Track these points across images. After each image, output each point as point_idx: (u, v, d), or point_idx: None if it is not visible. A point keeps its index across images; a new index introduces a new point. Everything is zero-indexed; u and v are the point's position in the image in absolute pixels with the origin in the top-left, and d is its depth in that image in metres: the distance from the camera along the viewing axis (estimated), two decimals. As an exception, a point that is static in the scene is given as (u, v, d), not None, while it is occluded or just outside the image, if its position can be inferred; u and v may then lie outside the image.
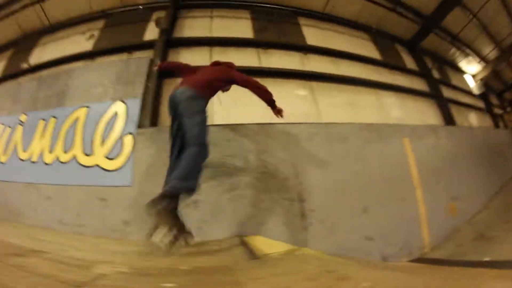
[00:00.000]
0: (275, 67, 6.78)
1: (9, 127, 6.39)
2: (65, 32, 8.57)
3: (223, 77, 3.35)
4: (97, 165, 4.94)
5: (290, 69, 6.93)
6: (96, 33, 7.85)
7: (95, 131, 5.17)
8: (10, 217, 5.38)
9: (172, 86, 5.60)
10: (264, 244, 3.20)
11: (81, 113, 5.49)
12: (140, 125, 4.89)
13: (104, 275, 1.92)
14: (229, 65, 3.69)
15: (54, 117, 5.74)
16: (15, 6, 8.68)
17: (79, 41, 7.80)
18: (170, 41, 6.44)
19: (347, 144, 5.09)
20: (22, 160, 5.82)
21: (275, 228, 4.04)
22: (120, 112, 5.15)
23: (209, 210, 4.14)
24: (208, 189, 4.16)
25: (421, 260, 4.53)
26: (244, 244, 3.31)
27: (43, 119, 5.88)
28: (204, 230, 4.04)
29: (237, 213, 4.13)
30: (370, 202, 4.71)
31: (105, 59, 6.78)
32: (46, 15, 8.86)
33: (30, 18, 8.95)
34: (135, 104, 5.08)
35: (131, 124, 4.94)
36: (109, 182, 4.74)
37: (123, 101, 5.22)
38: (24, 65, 8.27)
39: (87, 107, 5.49)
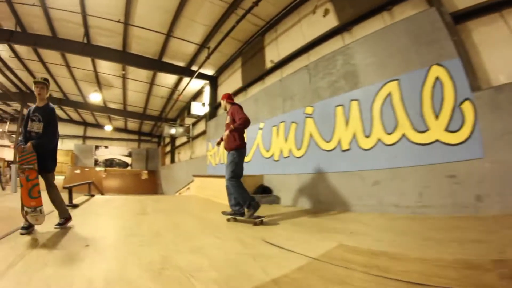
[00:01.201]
0: None
1: (294, 122, 6.68)
2: (288, 22, 8.70)
3: None
4: (438, 140, 4.32)
5: None
6: (329, 6, 7.45)
7: (421, 103, 4.54)
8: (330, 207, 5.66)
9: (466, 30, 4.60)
10: None
11: (392, 87, 4.98)
12: (474, 88, 4.09)
13: None
14: None
15: (355, 99, 5.48)
16: (226, 27, 9.43)
17: (316, 21, 7.59)
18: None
19: None
20: (326, 150, 5.90)
21: None
22: (443, 77, 4.33)
23: None
24: None
25: None
26: None
27: (340, 105, 5.73)
28: None
29: None
30: None
31: (364, 27, 6.19)
32: (259, 18, 9.15)
33: (245, 27, 9.59)
34: (456, 65, 4.23)
35: (463, 88, 4.14)
36: (457, 157, 4.09)
37: (439, 64, 4.42)
38: (269, 64, 8.81)
39: (396, 80, 4.94)
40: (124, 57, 12.33)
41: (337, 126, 5.80)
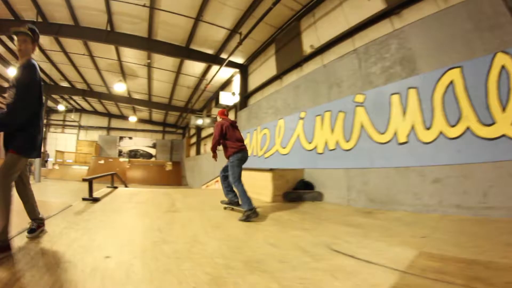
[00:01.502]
0: None
1: (342, 112, 6.40)
2: (328, 6, 8.30)
3: None
4: (505, 135, 3.95)
5: None
6: (374, -12, 7.02)
7: (487, 93, 4.17)
8: (383, 206, 5.43)
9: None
10: None
11: (454, 75, 4.59)
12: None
13: None
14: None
15: (413, 87, 5.10)
16: (259, 11, 9.07)
17: (360, 4, 7.14)
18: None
19: None
20: (380, 143, 5.62)
21: None
22: (508, 66, 3.95)
23: None
24: None
25: None
26: None
27: (396, 93, 5.37)
28: None
29: None
30: None
31: (415, 10, 5.78)
32: (295, 1, 8.81)
33: (280, 12, 9.30)
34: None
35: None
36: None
37: (505, 52, 3.99)
38: (308, 50, 8.50)
39: (459, 67, 4.54)
40: (149, 44, 12.27)
41: (392, 116, 5.45)
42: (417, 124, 5.01)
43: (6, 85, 21.49)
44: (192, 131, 25.48)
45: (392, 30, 5.99)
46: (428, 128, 4.87)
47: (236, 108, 13.67)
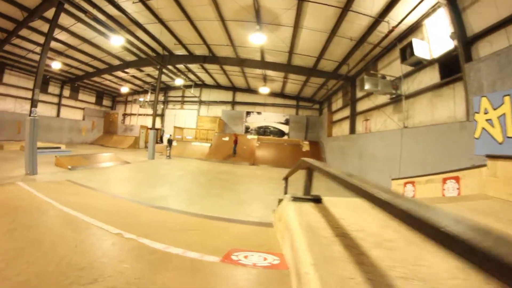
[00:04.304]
0: None
1: None
2: None
3: None
4: None
5: None
6: None
7: None
8: None
9: None
10: None
11: None
12: None
13: None
14: None
15: None
16: None
17: None
18: None
19: None
20: None
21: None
22: None
23: None
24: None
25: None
26: None
27: None
28: None
29: None
30: None
31: None
32: None
33: None
34: None
35: None
36: None
37: None
38: None
39: None
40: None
41: None
42: None
43: (116, 62, 21.97)
44: (335, 106, 23.30)
45: None
46: None
47: (441, 64, 10.26)
